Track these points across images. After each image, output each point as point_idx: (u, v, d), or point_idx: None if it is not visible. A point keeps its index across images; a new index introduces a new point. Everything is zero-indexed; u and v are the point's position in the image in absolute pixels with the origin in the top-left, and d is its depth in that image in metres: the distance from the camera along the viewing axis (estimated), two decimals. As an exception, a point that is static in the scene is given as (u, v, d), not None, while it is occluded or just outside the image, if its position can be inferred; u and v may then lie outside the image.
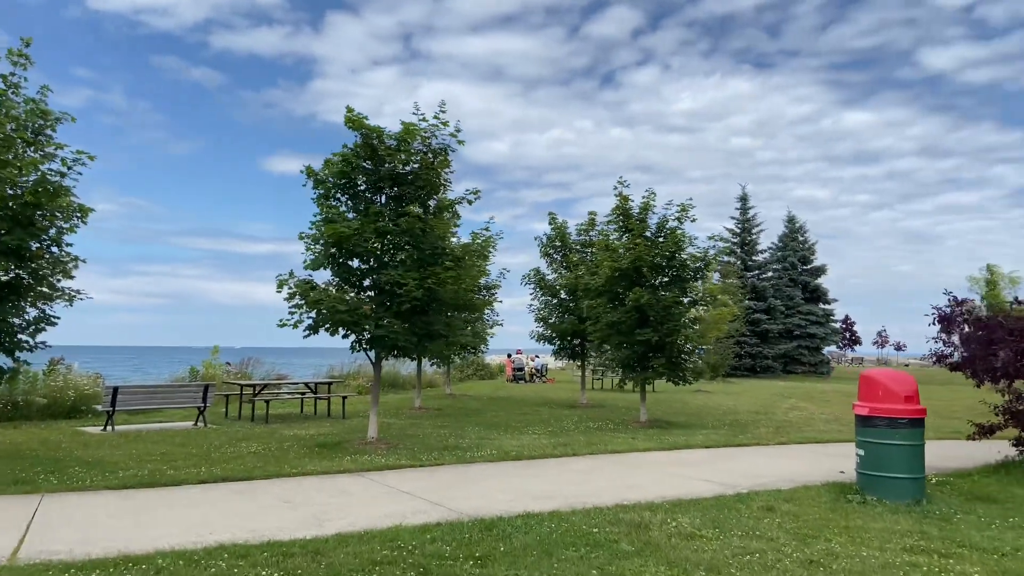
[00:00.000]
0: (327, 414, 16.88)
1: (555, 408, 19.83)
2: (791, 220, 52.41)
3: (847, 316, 56.85)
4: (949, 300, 10.05)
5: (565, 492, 8.32)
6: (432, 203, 11.91)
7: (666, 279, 15.30)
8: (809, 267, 50.47)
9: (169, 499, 7.76)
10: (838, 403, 22.54)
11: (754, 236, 51.08)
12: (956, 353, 9.95)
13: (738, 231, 51.08)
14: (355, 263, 11.71)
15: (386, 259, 11.72)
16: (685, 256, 15.17)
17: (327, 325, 11.27)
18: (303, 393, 17.90)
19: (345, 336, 11.69)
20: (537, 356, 38.08)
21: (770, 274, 49.78)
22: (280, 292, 11.12)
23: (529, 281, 20.95)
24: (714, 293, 15.69)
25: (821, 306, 49.56)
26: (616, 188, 15.74)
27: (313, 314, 11.35)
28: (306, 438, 12.75)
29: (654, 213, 15.68)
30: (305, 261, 11.50)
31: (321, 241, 11.24)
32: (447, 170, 11.82)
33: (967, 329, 9.44)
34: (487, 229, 11.84)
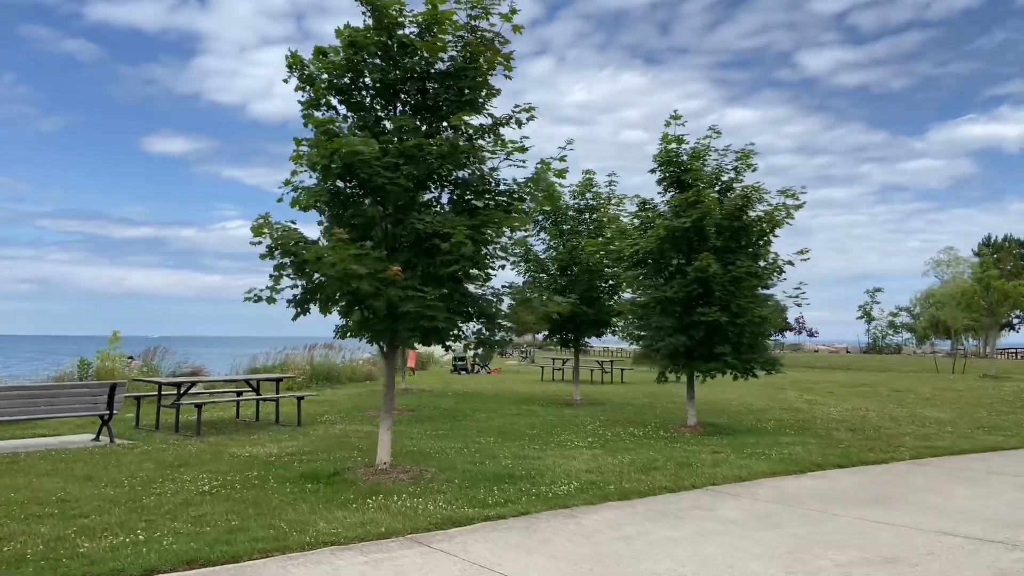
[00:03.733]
0: (275, 420, 12.76)
1: (548, 406, 16.35)
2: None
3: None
4: None
5: None
6: (476, 120, 8.09)
7: (723, 244, 12.02)
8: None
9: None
10: (844, 394, 19.95)
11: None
12: None
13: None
14: (367, 203, 7.80)
15: (406, 198, 7.90)
16: (755, 216, 11.96)
17: (327, 297, 7.38)
18: (239, 392, 13.68)
19: (346, 314, 7.83)
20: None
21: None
22: (258, 243, 7.10)
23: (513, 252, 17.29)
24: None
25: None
26: (668, 124, 12.30)
27: (302, 281, 7.45)
28: (274, 462, 8.76)
29: (706, 162, 12.42)
30: (288, 198, 7.54)
31: (319, 166, 7.29)
32: (502, 68, 8.05)
33: None
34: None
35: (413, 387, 20.95)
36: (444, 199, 8.12)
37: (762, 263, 11.92)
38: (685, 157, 12.33)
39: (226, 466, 8.47)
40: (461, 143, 7.52)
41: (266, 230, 7.04)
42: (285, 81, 7.90)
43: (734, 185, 12.31)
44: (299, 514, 6.25)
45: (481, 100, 8.03)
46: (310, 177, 7.70)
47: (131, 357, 18.30)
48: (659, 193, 12.75)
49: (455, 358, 31.25)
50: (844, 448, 10.37)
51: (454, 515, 6.30)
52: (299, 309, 7.56)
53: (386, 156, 7.29)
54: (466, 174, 7.88)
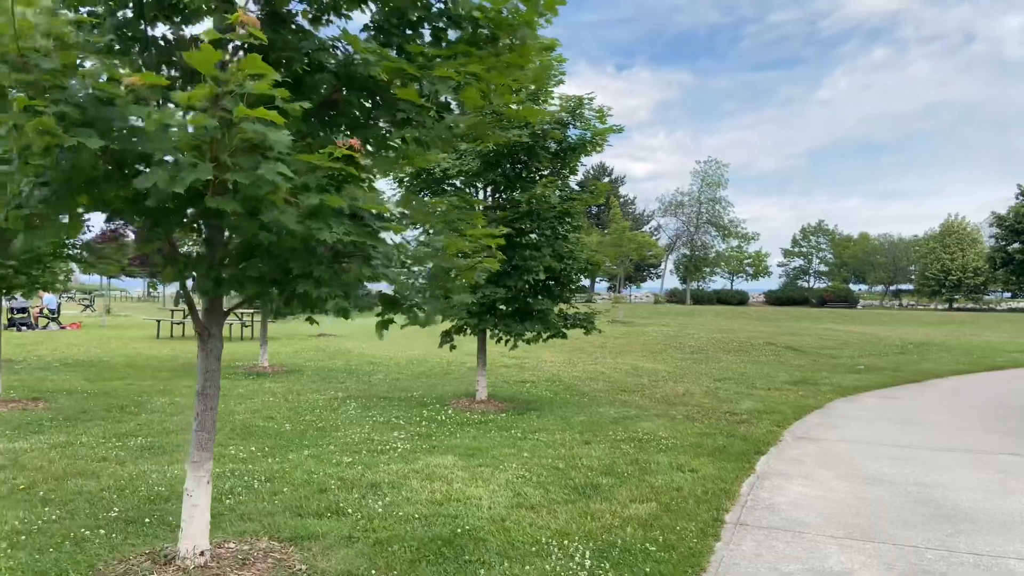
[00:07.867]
0: None
1: (234, 377, 12.13)
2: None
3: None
4: None
5: None
6: None
7: (551, 169, 9.49)
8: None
9: None
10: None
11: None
12: None
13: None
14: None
15: None
16: (573, 139, 9.57)
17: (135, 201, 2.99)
18: None
19: (161, 234, 3.45)
20: (44, 292, 26.19)
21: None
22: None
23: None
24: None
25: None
26: None
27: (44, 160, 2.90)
28: None
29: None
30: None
31: None
32: None
33: None
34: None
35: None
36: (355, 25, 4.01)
37: (587, 194, 9.63)
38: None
39: None
40: None
41: None
42: None
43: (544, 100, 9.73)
44: None
45: None
46: None
47: None
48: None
49: (12, 309, 23.13)
50: (706, 424, 8.73)
51: None
52: (33, 221, 2.99)
53: None
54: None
